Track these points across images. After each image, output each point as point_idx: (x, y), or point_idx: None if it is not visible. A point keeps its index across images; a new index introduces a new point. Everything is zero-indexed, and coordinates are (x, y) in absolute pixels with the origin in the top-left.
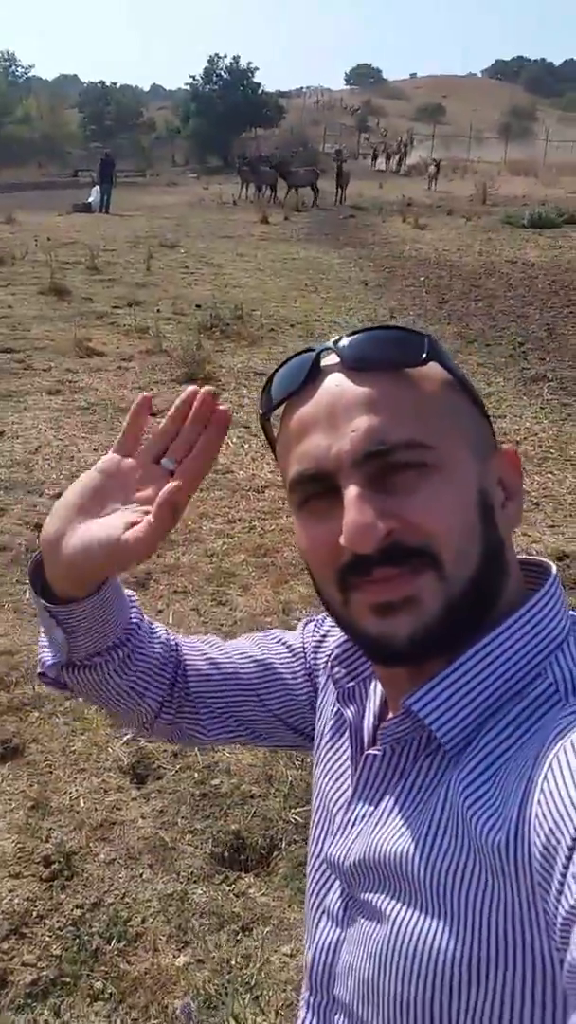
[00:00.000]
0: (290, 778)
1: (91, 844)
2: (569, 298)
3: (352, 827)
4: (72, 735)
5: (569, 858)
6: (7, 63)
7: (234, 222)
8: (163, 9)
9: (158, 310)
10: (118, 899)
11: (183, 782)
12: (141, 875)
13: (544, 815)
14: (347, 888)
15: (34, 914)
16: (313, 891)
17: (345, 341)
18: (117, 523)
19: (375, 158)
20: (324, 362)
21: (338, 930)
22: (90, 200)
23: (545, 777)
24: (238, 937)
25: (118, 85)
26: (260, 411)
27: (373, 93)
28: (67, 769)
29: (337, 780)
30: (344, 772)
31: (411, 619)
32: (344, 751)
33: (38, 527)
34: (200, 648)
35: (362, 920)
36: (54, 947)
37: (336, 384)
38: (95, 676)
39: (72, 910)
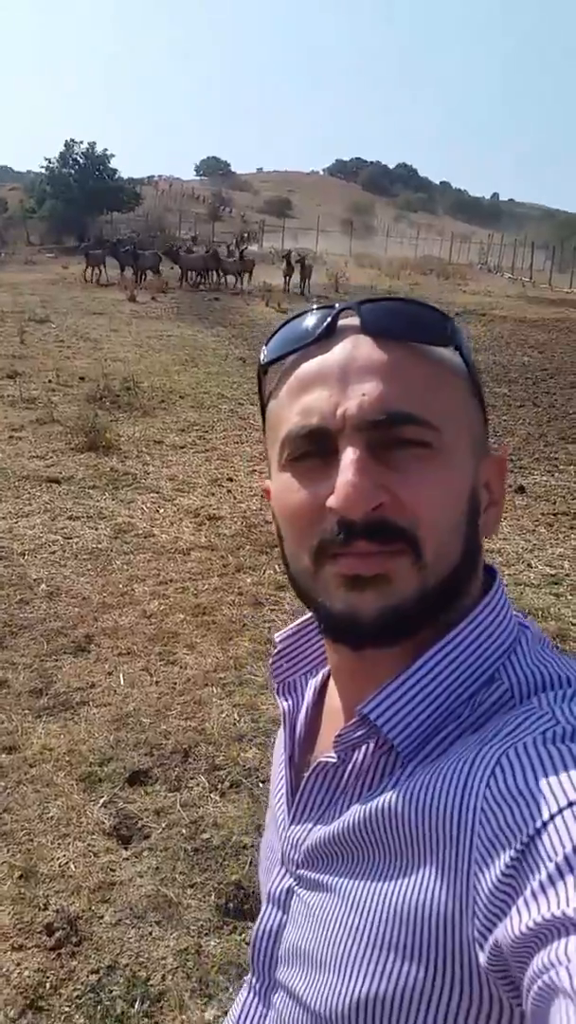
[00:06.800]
0: None
1: (93, 907)
2: None
3: (307, 814)
4: (45, 802)
5: (518, 862)
6: None
7: (101, 299)
8: (13, 92)
9: (49, 380)
10: (133, 959)
11: (172, 839)
12: (151, 933)
13: (492, 810)
14: (294, 871)
15: (47, 985)
16: (263, 879)
17: (369, 306)
18: None
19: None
20: (342, 322)
21: (280, 914)
22: None
23: (493, 772)
24: None
25: None
26: (262, 360)
27: (223, 184)
28: (49, 836)
29: (281, 768)
30: (284, 762)
31: (380, 598)
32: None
33: None
34: None
35: (311, 900)
36: (76, 1017)
37: (353, 345)
38: None
39: (87, 976)
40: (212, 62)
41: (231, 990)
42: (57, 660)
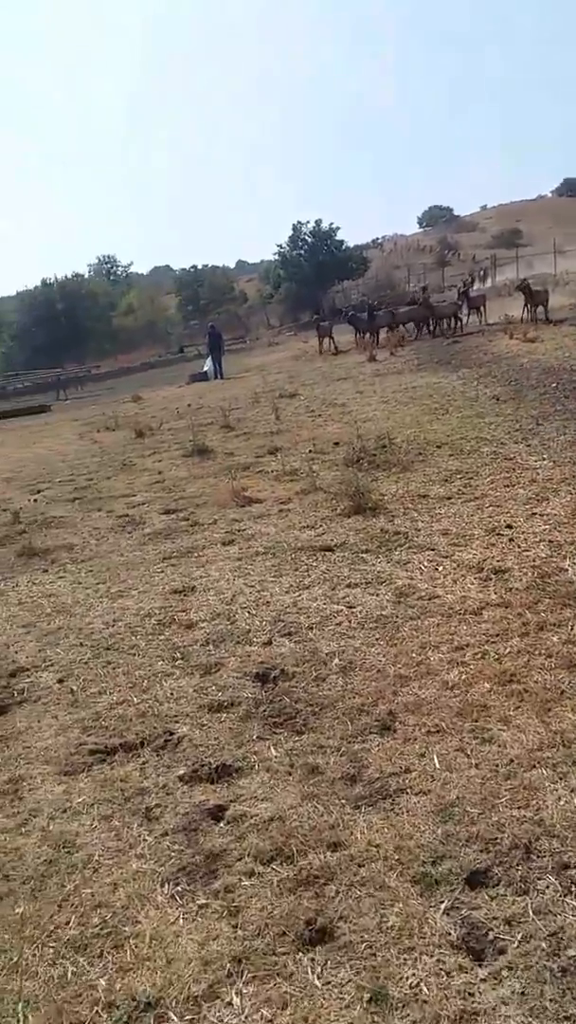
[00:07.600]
0: None
1: None
2: None
3: None
4: (382, 908)
5: None
6: (108, 265)
7: (342, 365)
8: (241, 199)
9: (309, 450)
10: None
11: (532, 955)
12: None
13: None
14: None
15: None
16: None
17: None
18: None
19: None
20: None
21: None
22: (205, 369)
23: None
24: None
25: (208, 267)
26: None
27: (447, 230)
28: (392, 949)
29: None
30: None
31: None
32: None
33: (258, 676)
34: None
35: None
36: None
37: None
38: None
39: None
40: (427, 112)
41: None
42: (364, 741)
